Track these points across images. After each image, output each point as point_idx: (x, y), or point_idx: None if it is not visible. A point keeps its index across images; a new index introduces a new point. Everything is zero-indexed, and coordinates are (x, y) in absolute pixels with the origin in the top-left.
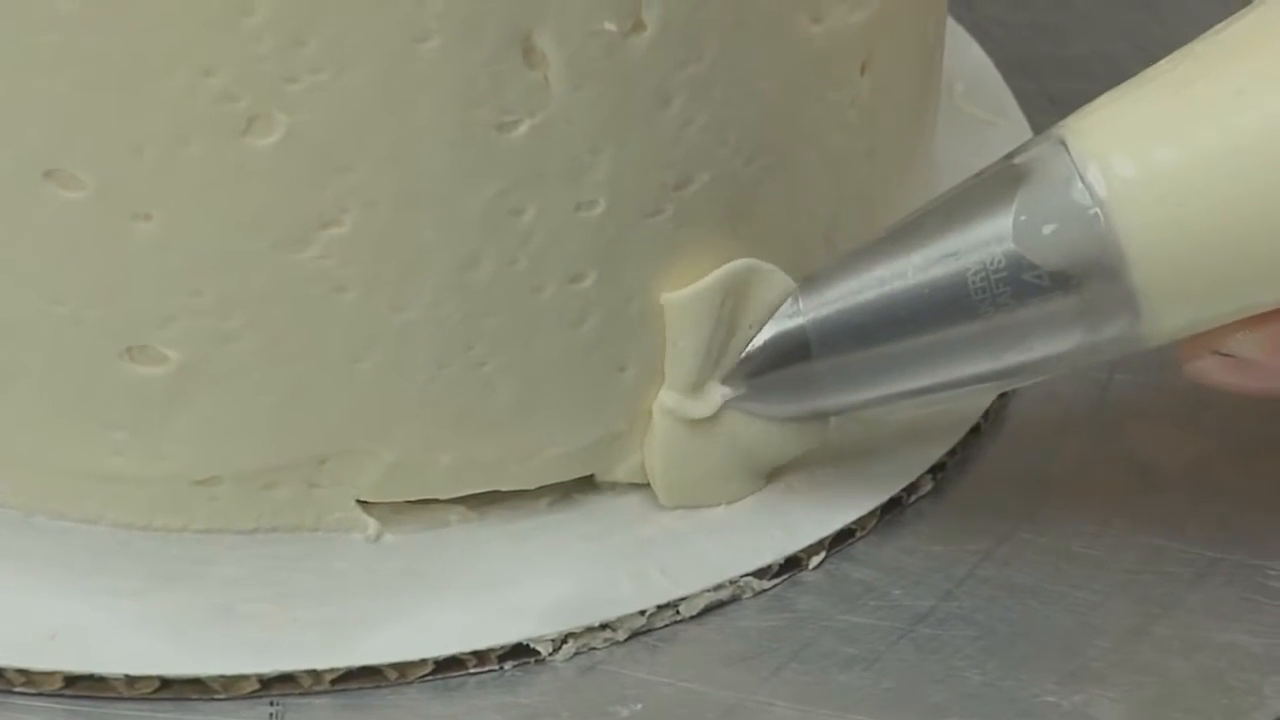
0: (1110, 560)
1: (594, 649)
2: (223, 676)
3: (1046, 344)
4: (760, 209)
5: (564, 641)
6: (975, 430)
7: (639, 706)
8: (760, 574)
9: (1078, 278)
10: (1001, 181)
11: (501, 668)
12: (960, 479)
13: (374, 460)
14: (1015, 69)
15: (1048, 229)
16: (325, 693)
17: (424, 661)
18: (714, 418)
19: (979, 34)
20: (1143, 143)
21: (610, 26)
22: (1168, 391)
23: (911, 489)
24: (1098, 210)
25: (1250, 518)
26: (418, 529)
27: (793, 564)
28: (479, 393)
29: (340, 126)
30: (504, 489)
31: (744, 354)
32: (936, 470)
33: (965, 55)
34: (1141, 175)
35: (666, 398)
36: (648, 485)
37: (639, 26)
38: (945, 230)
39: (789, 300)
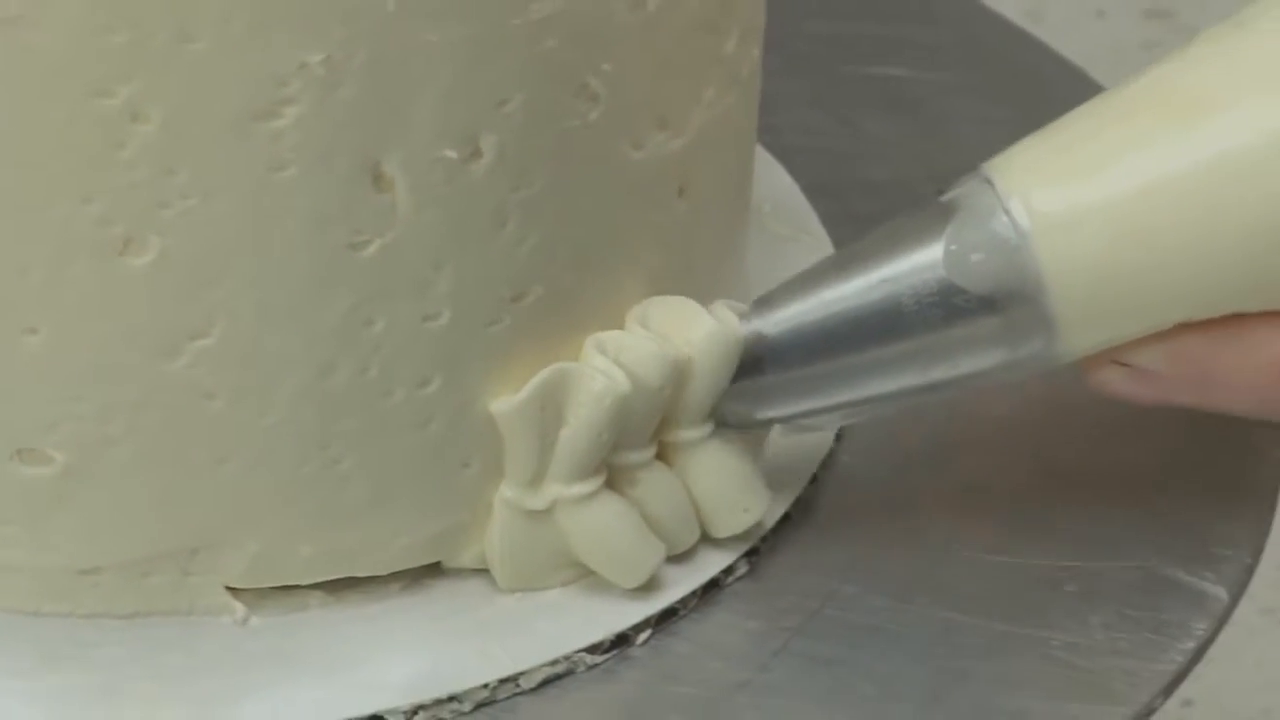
0: (908, 634)
1: (442, 719)
2: None
3: (972, 360)
4: (587, 319)
5: (415, 713)
6: (786, 518)
7: None
8: (592, 649)
9: (1001, 302)
10: (933, 215)
11: None
12: (772, 562)
13: (240, 550)
14: (817, 191)
15: (975, 258)
16: None
17: None
18: (548, 510)
19: (784, 159)
20: (1060, 181)
21: (451, 154)
22: (963, 479)
23: (729, 571)
24: (1020, 241)
25: (1036, 594)
26: (281, 612)
27: (622, 640)
28: (335, 489)
29: (208, 247)
30: (359, 575)
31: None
32: (751, 554)
33: (772, 178)
34: (1059, 210)
35: (506, 491)
36: (489, 571)
37: (477, 154)
38: (883, 259)
39: (743, 321)
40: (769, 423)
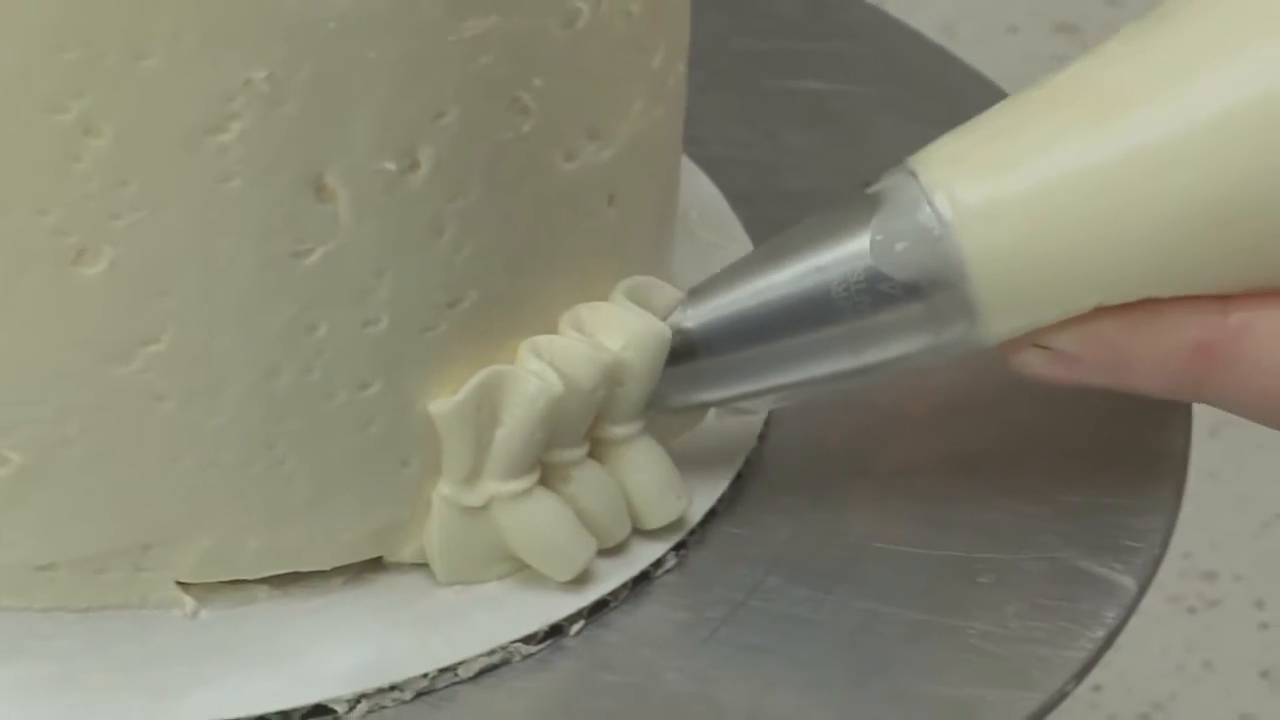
0: (830, 624)
1: (384, 707)
2: None
3: (899, 344)
4: (522, 323)
5: (358, 701)
6: (713, 513)
7: None
8: (527, 640)
9: (925, 289)
10: (860, 207)
11: None
12: (700, 556)
13: (191, 546)
14: (741, 199)
15: (900, 247)
16: None
17: None
18: (485, 507)
19: (709, 169)
20: (982, 174)
21: (390, 166)
22: (883, 475)
23: (658, 564)
24: (943, 231)
25: (953, 585)
26: (229, 605)
27: (556, 631)
28: (280, 487)
29: (158, 257)
30: (304, 569)
31: None
32: (679, 548)
33: (698, 187)
34: (980, 202)
35: (444, 488)
36: (428, 565)
37: (415, 166)
38: (813, 248)
39: (679, 308)
40: (707, 405)
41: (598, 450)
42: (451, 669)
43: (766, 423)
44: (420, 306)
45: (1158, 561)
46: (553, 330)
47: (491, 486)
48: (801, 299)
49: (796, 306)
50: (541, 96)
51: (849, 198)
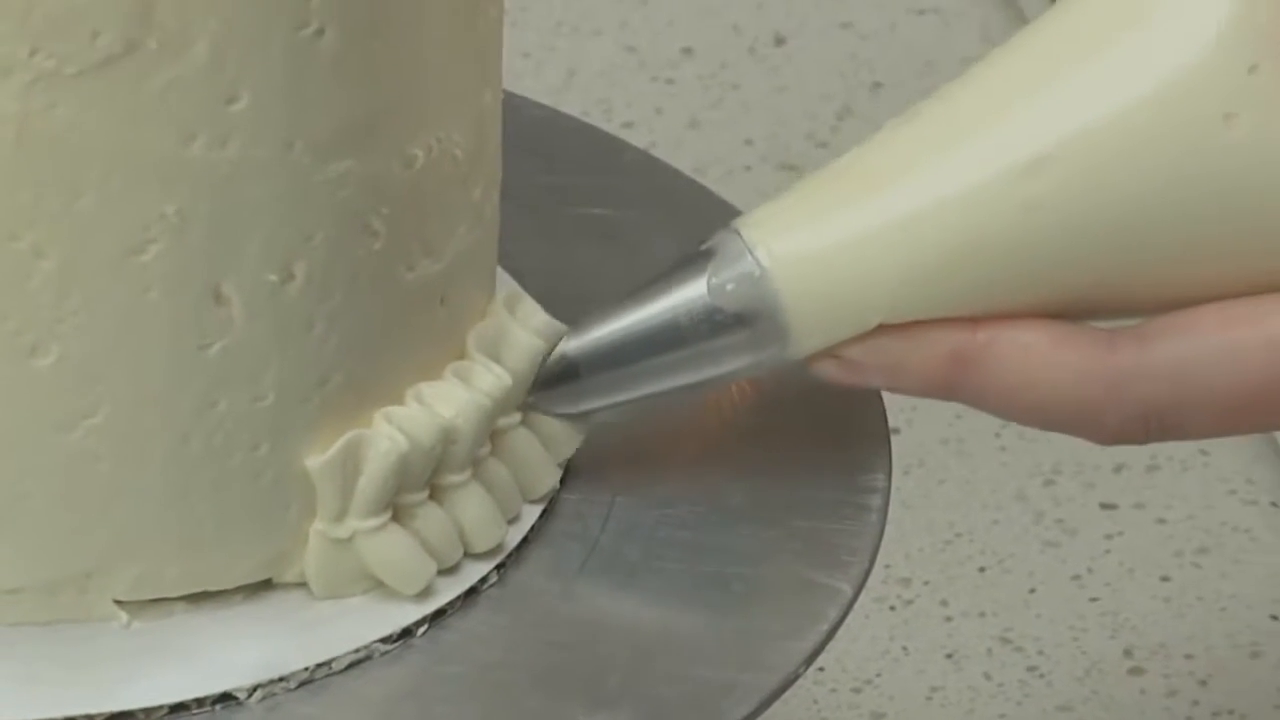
0: (619, 625)
1: (274, 694)
2: None
3: (730, 362)
4: (376, 397)
5: (255, 690)
6: (525, 540)
7: None
8: (385, 640)
9: (749, 319)
10: (699, 257)
11: (214, 709)
12: (516, 573)
13: (123, 573)
14: (543, 301)
15: (730, 287)
16: None
17: (161, 706)
18: (350, 539)
19: (518, 277)
20: (788, 232)
21: (273, 277)
22: (659, 508)
23: (484, 580)
24: (761, 275)
25: (711, 591)
26: (155, 618)
27: (406, 633)
28: (193, 527)
29: (93, 351)
30: (212, 589)
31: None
32: (500, 567)
33: (509, 289)
34: (790, 252)
35: (318, 525)
36: (307, 584)
37: (291, 277)
38: (665, 289)
39: (564, 338)
40: (586, 414)
41: (436, 493)
42: (326, 664)
43: (566, 472)
44: (298, 385)
45: (867, 572)
46: (400, 402)
47: (354, 523)
48: (657, 328)
49: (654, 334)
50: (388, 222)
51: (691, 253)
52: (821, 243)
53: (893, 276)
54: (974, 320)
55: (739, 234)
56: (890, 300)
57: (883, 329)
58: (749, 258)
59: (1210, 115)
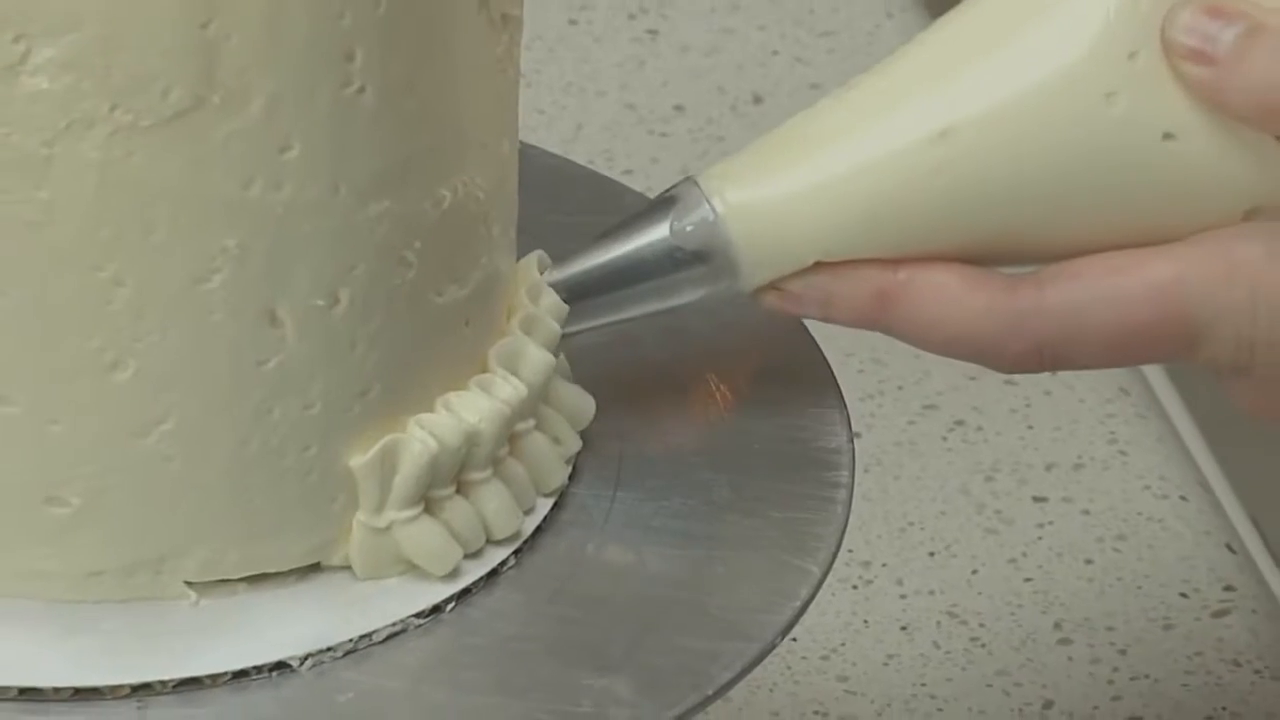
0: (622, 602)
1: (323, 662)
2: (110, 685)
3: (690, 293)
4: (410, 405)
5: (306, 659)
6: (539, 529)
7: (351, 694)
8: (418, 615)
9: (706, 255)
10: (663, 203)
11: (270, 675)
12: (532, 557)
13: (193, 558)
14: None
15: (689, 228)
16: (172, 694)
17: (225, 673)
18: (388, 528)
19: None
20: (741, 183)
21: (320, 302)
22: (647, 502)
23: (504, 563)
24: (716, 219)
25: (704, 572)
26: (220, 596)
27: (436, 609)
28: (253, 518)
29: (166, 367)
30: (269, 571)
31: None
32: (518, 552)
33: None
34: (741, 200)
35: (360, 516)
36: (351, 567)
37: (337, 301)
38: (635, 230)
39: (550, 270)
40: (570, 335)
41: (462, 488)
42: (368, 636)
43: (574, 470)
44: (342, 396)
45: (834, 556)
46: (431, 409)
47: (392, 514)
48: (628, 263)
49: (624, 268)
50: (420, 254)
51: (656, 200)
52: (767, 193)
53: (827, 223)
54: (896, 261)
55: (698, 184)
56: (825, 243)
57: (819, 266)
58: (706, 205)
59: (1094, 95)
